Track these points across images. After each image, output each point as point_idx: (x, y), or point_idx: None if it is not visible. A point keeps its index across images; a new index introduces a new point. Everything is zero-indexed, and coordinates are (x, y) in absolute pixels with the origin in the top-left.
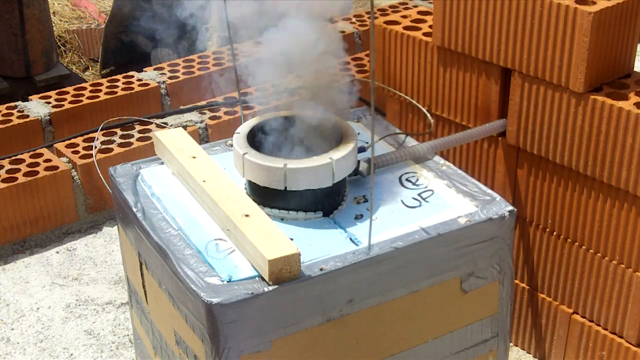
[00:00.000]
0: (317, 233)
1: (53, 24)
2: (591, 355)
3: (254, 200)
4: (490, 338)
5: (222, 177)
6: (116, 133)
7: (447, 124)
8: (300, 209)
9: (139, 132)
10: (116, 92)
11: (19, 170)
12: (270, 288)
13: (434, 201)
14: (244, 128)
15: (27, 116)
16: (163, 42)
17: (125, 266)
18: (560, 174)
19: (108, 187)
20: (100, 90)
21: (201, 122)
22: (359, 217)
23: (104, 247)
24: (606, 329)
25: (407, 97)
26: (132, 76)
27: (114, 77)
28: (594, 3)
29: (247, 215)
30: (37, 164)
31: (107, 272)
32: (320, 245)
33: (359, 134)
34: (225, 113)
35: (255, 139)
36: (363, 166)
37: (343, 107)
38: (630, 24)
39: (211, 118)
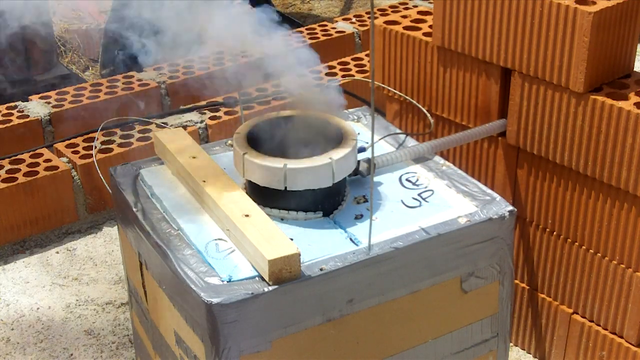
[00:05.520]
0: (317, 233)
1: (53, 24)
2: (591, 355)
3: (254, 200)
4: (490, 338)
5: (222, 177)
6: (116, 133)
7: (447, 124)
8: (300, 209)
9: (139, 132)
10: (116, 92)
11: (19, 170)
12: (270, 288)
13: (434, 201)
14: (244, 128)
15: (27, 116)
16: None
17: (125, 266)
18: (560, 174)
19: (108, 187)
20: (100, 90)
21: (201, 122)
22: (359, 217)
23: (104, 247)
24: (606, 329)
25: (407, 97)
26: (132, 76)
27: (114, 77)
28: (594, 3)
29: (247, 215)
30: (37, 164)
31: (107, 272)
32: (320, 245)
33: (359, 134)
34: (225, 113)
35: (255, 139)
36: (363, 166)
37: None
38: (630, 24)
39: (211, 118)
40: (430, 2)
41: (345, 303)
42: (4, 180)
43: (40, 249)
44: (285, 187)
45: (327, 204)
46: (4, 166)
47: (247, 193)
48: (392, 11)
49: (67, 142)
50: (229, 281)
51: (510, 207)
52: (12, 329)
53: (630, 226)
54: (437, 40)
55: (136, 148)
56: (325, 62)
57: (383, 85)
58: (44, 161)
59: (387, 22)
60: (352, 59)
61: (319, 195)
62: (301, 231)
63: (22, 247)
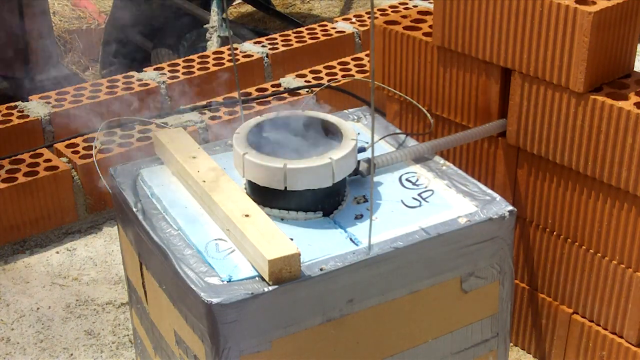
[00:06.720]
0: (317, 233)
1: (53, 24)
2: (591, 355)
3: (254, 200)
4: (490, 338)
5: (222, 177)
6: (116, 133)
7: (447, 124)
8: (300, 209)
9: (139, 132)
10: (116, 92)
11: (19, 170)
12: (270, 288)
13: (434, 201)
14: (244, 128)
15: (27, 116)
16: (163, 42)
17: (125, 266)
18: (560, 174)
19: (108, 187)
20: (100, 90)
21: (201, 122)
22: (359, 217)
23: (104, 247)
24: (606, 329)
25: (407, 97)
26: (132, 76)
27: (114, 77)
28: (594, 3)
29: (247, 215)
30: (37, 164)
31: (107, 272)
32: (320, 245)
33: (359, 134)
34: (225, 113)
35: (255, 139)
36: (363, 166)
37: None
38: (630, 24)
39: (211, 118)
40: (430, 2)
41: (345, 303)
42: (4, 180)
43: (40, 249)
44: (285, 187)
45: (327, 204)
46: (4, 166)
47: (247, 193)
48: (392, 11)
49: (67, 142)
50: (229, 281)
51: (510, 207)
52: (12, 329)
53: (630, 226)
54: (437, 40)
55: (136, 148)
56: (325, 62)
57: (383, 85)
58: (44, 161)
59: (387, 22)
60: (352, 59)
61: (319, 195)
62: (301, 231)
63: (22, 247)
